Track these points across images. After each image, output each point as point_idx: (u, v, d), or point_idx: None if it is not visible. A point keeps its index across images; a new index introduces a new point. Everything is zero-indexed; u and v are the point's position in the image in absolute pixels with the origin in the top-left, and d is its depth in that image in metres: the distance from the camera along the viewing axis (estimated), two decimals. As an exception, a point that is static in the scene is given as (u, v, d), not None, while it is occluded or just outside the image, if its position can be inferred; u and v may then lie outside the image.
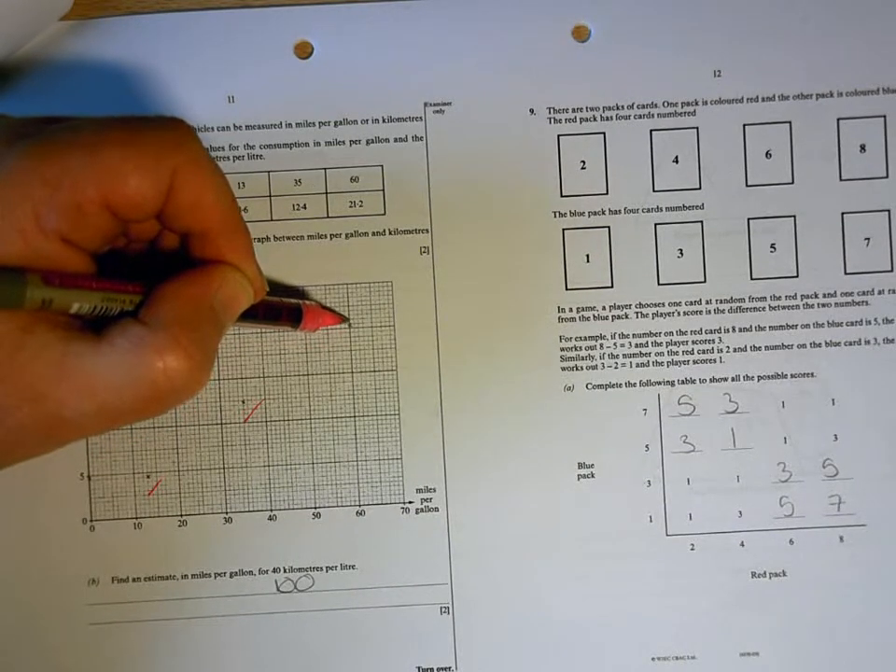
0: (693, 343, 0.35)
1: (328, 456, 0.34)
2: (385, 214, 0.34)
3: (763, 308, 0.35)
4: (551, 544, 0.34)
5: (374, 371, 0.34)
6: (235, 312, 0.27)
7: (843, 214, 0.34)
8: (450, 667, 0.34)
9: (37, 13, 0.32)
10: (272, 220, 0.34)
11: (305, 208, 0.34)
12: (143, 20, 0.34)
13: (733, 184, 0.35)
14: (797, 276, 0.35)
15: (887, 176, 0.34)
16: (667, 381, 0.35)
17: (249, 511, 0.34)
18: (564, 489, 0.34)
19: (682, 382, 0.35)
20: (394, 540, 0.34)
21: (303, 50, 0.34)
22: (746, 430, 0.34)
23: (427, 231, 0.34)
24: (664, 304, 0.35)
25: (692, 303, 0.35)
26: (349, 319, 0.34)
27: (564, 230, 0.35)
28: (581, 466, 0.34)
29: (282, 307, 0.32)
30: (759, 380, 0.35)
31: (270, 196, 0.34)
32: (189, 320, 0.25)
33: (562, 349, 0.35)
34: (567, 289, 0.35)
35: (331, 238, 0.34)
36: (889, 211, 0.34)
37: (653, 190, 0.35)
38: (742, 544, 0.34)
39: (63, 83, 0.34)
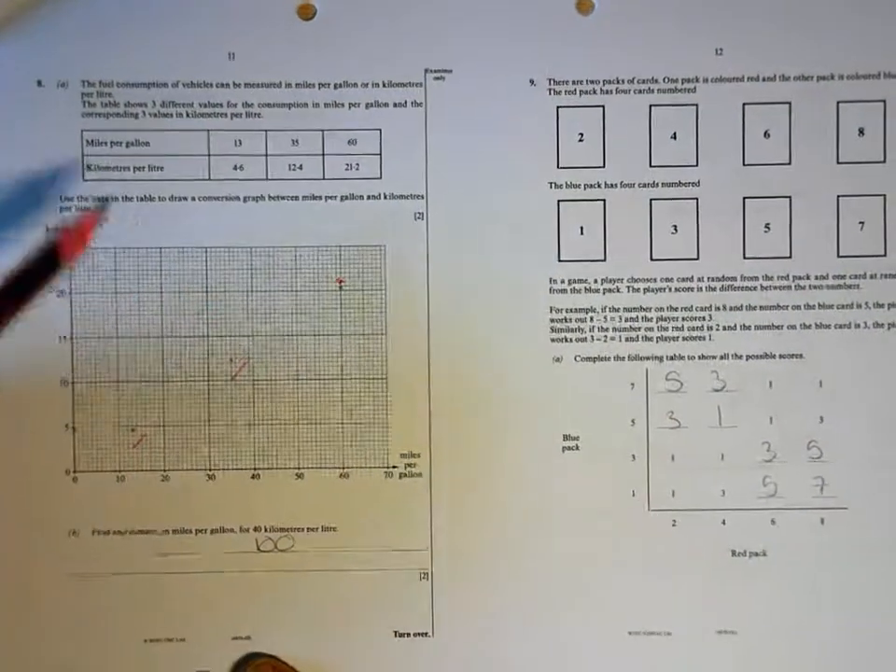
0: (684, 319, 0.35)
1: (313, 417, 0.34)
2: (380, 178, 0.34)
3: (755, 288, 0.34)
4: (532, 514, 0.34)
5: (363, 335, 0.34)
6: None
7: (838, 196, 0.34)
8: (427, 633, 0.34)
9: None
10: (267, 179, 0.34)
11: (301, 169, 0.34)
12: (146, -27, 0.34)
13: (730, 162, 0.34)
14: (790, 257, 0.35)
15: (884, 161, 0.34)
16: (656, 356, 0.35)
17: (233, 469, 0.34)
18: (548, 460, 0.34)
19: (671, 358, 0.35)
20: (376, 504, 0.34)
21: (306, 12, 0.34)
22: (732, 409, 0.34)
23: (423, 197, 0.34)
24: (655, 280, 0.35)
25: (683, 280, 0.34)
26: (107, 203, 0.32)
27: (559, 201, 0.34)
28: (566, 438, 0.34)
29: (33, 266, 0.25)
30: (747, 359, 0.35)
31: (266, 155, 0.34)
32: None
33: (552, 320, 0.34)
34: (559, 261, 0.35)
35: (326, 200, 0.34)
36: (884, 196, 0.34)
37: (650, 166, 0.35)
38: (724, 522, 0.34)
39: (61, 43, 0.34)
